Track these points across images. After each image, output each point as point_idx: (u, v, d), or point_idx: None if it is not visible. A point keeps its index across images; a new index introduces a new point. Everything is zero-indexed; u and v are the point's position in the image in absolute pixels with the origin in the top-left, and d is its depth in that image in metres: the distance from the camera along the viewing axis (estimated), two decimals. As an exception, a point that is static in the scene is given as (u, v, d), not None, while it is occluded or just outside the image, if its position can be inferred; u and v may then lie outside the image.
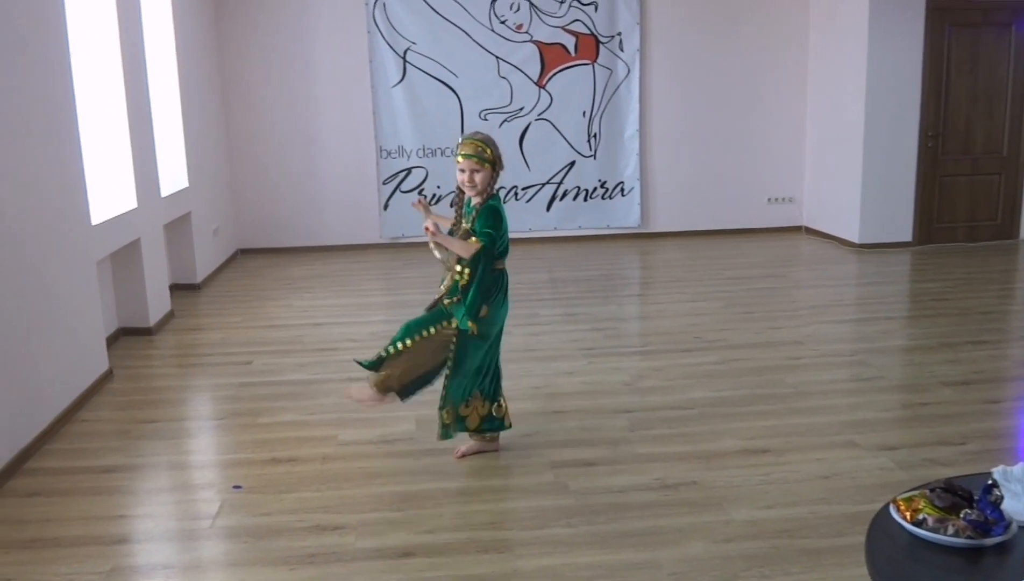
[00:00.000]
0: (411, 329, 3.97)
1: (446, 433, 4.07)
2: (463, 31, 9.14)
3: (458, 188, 4.00)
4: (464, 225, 3.96)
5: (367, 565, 3.22)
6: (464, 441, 4.16)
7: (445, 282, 3.96)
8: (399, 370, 3.97)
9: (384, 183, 9.38)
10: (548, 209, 9.59)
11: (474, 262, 3.84)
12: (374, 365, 4.01)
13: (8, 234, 4.18)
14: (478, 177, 3.85)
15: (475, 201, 3.93)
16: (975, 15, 8.57)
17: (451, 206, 4.11)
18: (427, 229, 3.89)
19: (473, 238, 3.85)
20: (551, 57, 9.34)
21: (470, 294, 3.85)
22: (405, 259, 8.89)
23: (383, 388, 3.99)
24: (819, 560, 3.18)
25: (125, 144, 6.03)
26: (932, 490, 2.20)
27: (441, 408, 4.05)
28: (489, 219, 3.85)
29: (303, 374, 5.40)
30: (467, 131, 3.97)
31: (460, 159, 3.88)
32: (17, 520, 3.61)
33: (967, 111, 8.76)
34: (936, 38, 8.55)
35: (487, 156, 3.87)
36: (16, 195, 4.28)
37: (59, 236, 4.78)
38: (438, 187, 9.36)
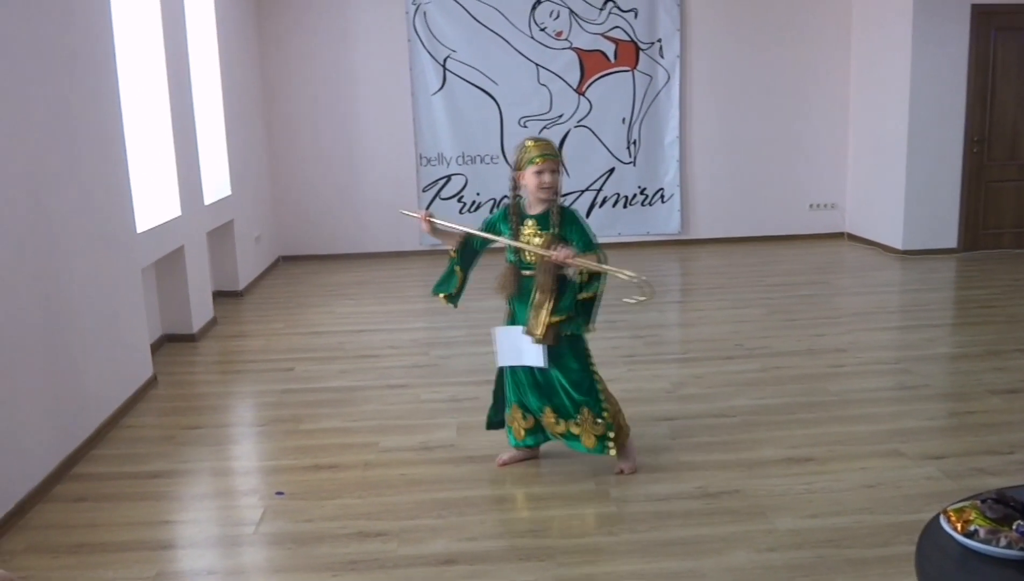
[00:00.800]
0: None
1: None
2: (503, 39, 9.17)
3: (515, 196, 3.79)
4: (533, 233, 3.72)
5: (409, 572, 3.23)
6: (506, 449, 4.16)
7: (534, 311, 3.72)
8: (614, 408, 3.95)
9: (424, 190, 9.42)
10: (587, 216, 9.57)
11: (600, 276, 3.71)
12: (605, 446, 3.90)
13: (56, 242, 4.25)
14: (556, 178, 3.70)
15: (541, 208, 3.73)
16: (1021, 19, 8.42)
17: (511, 216, 3.81)
18: (569, 257, 3.56)
19: (581, 254, 3.63)
20: (591, 64, 9.33)
21: (595, 307, 3.76)
22: (445, 266, 8.91)
23: (625, 437, 3.98)
24: (864, 570, 3.14)
25: (169, 153, 6.12)
26: (983, 501, 2.17)
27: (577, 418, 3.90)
28: (587, 228, 3.75)
29: (345, 381, 5.43)
30: (525, 138, 3.81)
31: (539, 160, 3.65)
32: (64, 525, 3.66)
33: (1014, 115, 8.61)
34: (981, 42, 8.42)
35: (560, 155, 3.78)
36: (64, 203, 4.36)
37: (105, 244, 4.85)
38: (477, 194, 9.40)
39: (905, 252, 8.72)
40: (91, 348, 4.56)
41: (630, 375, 5.36)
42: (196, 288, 6.48)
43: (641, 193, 9.61)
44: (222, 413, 5.11)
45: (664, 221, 9.65)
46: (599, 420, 3.85)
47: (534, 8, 9.16)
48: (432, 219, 3.89)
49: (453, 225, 3.96)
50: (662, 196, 9.62)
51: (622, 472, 3.97)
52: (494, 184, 9.37)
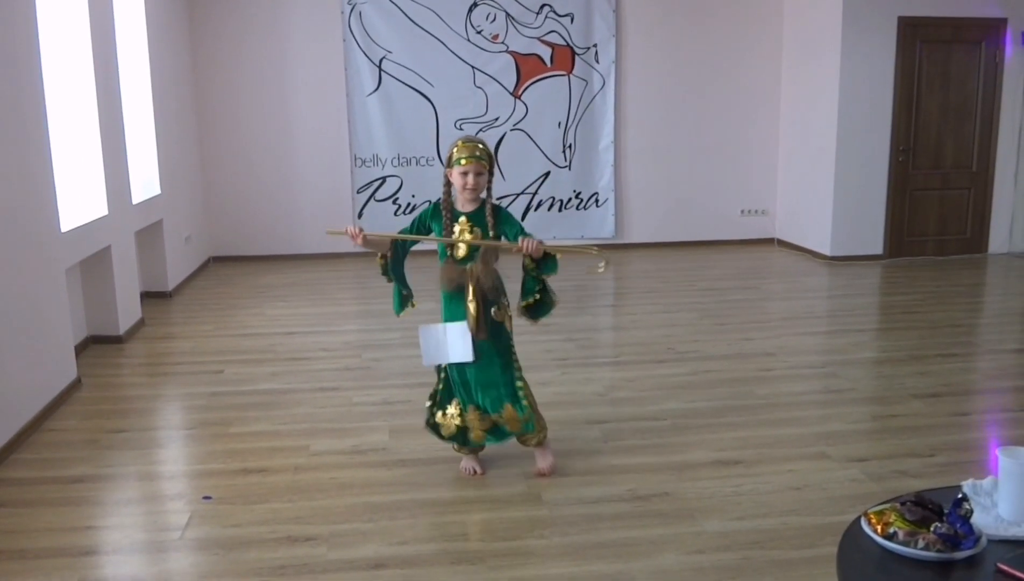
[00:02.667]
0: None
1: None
2: (439, 41, 9.15)
3: (447, 198, 3.86)
4: (466, 229, 3.80)
5: (339, 577, 3.19)
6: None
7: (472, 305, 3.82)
8: (534, 405, 3.98)
9: (358, 192, 9.35)
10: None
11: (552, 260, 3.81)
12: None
13: (-24, 240, 4.12)
14: (481, 180, 3.76)
15: (472, 206, 3.81)
16: (946, 32, 8.68)
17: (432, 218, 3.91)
18: (537, 245, 3.67)
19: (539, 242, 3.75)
20: (527, 68, 9.36)
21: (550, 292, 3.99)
22: (379, 268, 8.84)
23: (544, 434, 4.02)
24: (790, 571, 3.19)
25: (96, 150, 5.98)
26: (903, 503, 2.21)
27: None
28: (519, 222, 3.87)
29: (275, 383, 5.36)
30: (458, 137, 3.88)
31: (464, 161, 3.73)
32: (-18, 531, 3.56)
33: (937, 126, 8.86)
34: (908, 54, 8.65)
35: (489, 157, 3.81)
36: (-16, 201, 4.23)
37: (28, 243, 4.72)
38: (413, 196, 9.36)
39: (833, 258, 8.91)
40: (11, 350, 4.43)
41: (563, 378, 5.39)
42: (123, 289, 6.34)
43: (576, 197, 9.66)
44: (149, 416, 5.00)
45: (598, 225, 9.72)
46: (520, 416, 3.92)
47: (470, 11, 9.15)
48: (365, 233, 3.87)
49: (383, 233, 3.97)
50: (596, 200, 9.68)
51: (542, 473, 3.99)
52: (429, 186, 9.33)
